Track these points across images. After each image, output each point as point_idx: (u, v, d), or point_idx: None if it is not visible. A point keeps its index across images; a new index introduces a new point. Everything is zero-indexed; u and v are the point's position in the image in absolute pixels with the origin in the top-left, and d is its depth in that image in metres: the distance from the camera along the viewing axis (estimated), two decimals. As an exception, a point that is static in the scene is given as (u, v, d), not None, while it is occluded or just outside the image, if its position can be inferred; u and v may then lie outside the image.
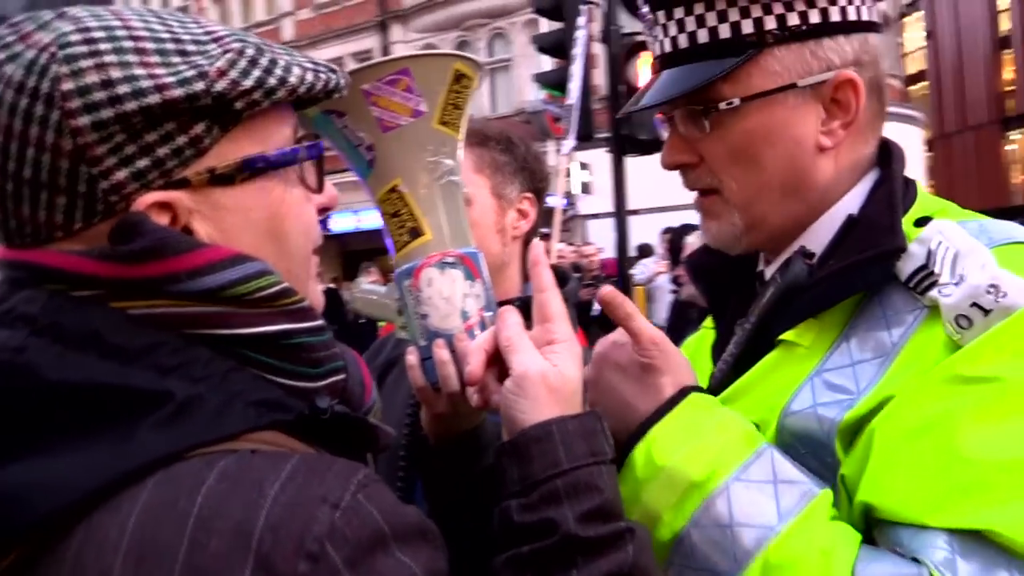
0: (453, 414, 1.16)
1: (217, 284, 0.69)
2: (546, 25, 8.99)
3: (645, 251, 9.52)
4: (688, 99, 1.00)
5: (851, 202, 1.01)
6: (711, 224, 1.06)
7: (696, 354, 1.21)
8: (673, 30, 1.02)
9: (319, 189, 0.83)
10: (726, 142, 1.00)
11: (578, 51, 7.30)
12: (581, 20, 7.32)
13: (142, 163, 0.69)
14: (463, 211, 1.13)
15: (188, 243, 0.70)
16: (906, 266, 0.90)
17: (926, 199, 1.01)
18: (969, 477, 0.79)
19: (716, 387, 1.03)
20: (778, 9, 0.97)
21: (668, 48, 1.03)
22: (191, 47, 0.72)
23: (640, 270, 8.88)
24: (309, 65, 0.78)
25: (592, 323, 8.32)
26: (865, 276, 0.92)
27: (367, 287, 1.67)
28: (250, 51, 0.73)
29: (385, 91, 1.04)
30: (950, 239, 0.89)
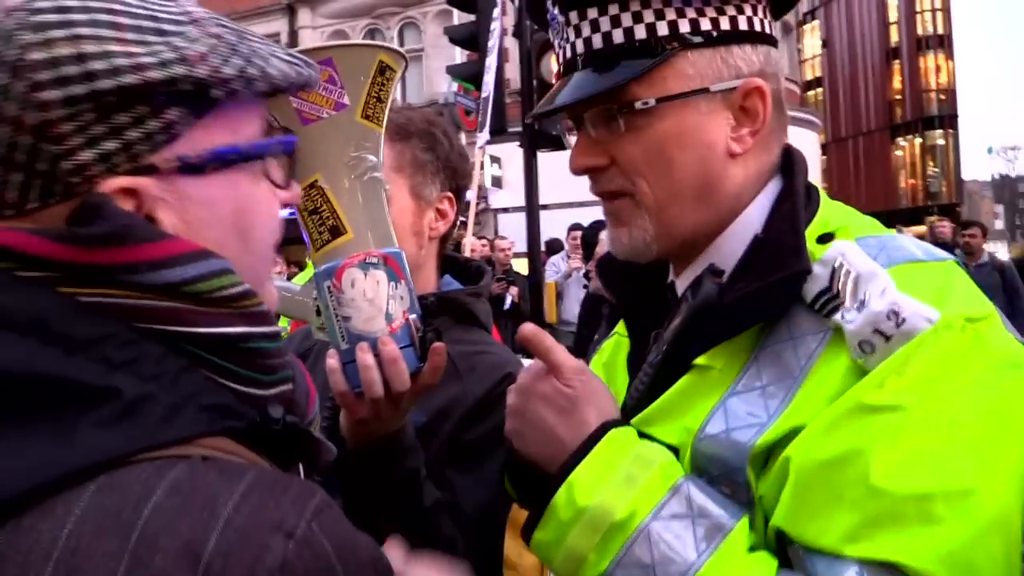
0: (375, 418, 1.12)
1: (178, 279, 0.65)
2: (458, 17, 8.95)
3: (553, 247, 9.58)
4: (602, 100, 1.00)
5: (755, 214, 1.02)
6: (621, 232, 1.05)
7: (612, 362, 1.21)
8: (586, 30, 1.01)
9: (286, 185, 0.79)
10: (640, 143, 1.00)
11: (492, 44, 7.29)
12: (496, 12, 7.31)
13: (110, 145, 0.64)
14: (386, 209, 1.09)
15: (152, 232, 0.65)
16: (811, 288, 0.91)
17: (828, 209, 1.03)
18: (880, 508, 0.80)
19: (633, 407, 1.03)
20: (691, 13, 0.98)
21: (580, 49, 1.02)
22: (169, 26, 0.67)
23: (551, 268, 8.93)
24: (286, 56, 0.74)
25: (504, 316, 8.37)
26: (774, 300, 0.93)
27: (280, 283, 1.58)
28: (230, 37, 0.69)
29: None
30: (851, 262, 0.90)
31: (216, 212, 0.71)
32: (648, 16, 0.97)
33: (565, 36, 1.04)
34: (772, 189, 1.04)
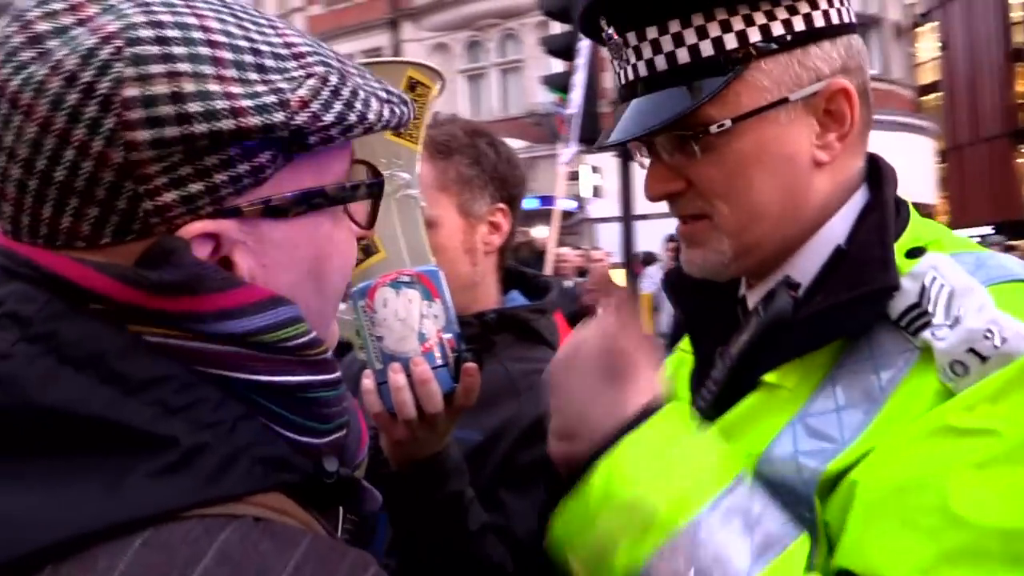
0: (412, 440, 1.10)
1: (244, 329, 0.62)
2: (557, 27, 8.94)
3: (648, 259, 9.45)
4: (673, 126, 0.93)
5: (839, 226, 0.95)
6: (695, 253, 0.99)
7: (674, 379, 1.14)
8: (648, 52, 0.94)
9: (370, 226, 0.75)
10: (717, 165, 0.93)
11: (580, 62, 7.26)
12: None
13: (195, 187, 0.60)
14: (421, 226, 1.07)
15: (223, 281, 0.61)
16: (897, 304, 0.83)
17: (918, 224, 0.95)
18: (960, 540, 0.71)
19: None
20: (760, 19, 0.90)
21: (644, 72, 0.95)
22: (270, 62, 0.63)
23: (647, 280, 8.80)
24: (383, 95, 0.70)
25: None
26: (855, 317, 0.85)
27: None
28: (333, 79, 0.65)
29: None
30: (945, 276, 0.82)
31: (295, 256, 0.67)
32: (714, 30, 0.90)
33: (624, 57, 0.97)
34: (858, 201, 0.97)
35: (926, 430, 0.76)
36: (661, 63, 0.93)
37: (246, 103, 0.60)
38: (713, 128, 0.91)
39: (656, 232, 8.76)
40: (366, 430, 0.82)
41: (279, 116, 0.61)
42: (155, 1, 0.61)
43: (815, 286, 0.92)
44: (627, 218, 7.70)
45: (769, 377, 0.89)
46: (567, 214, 17.88)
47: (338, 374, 0.69)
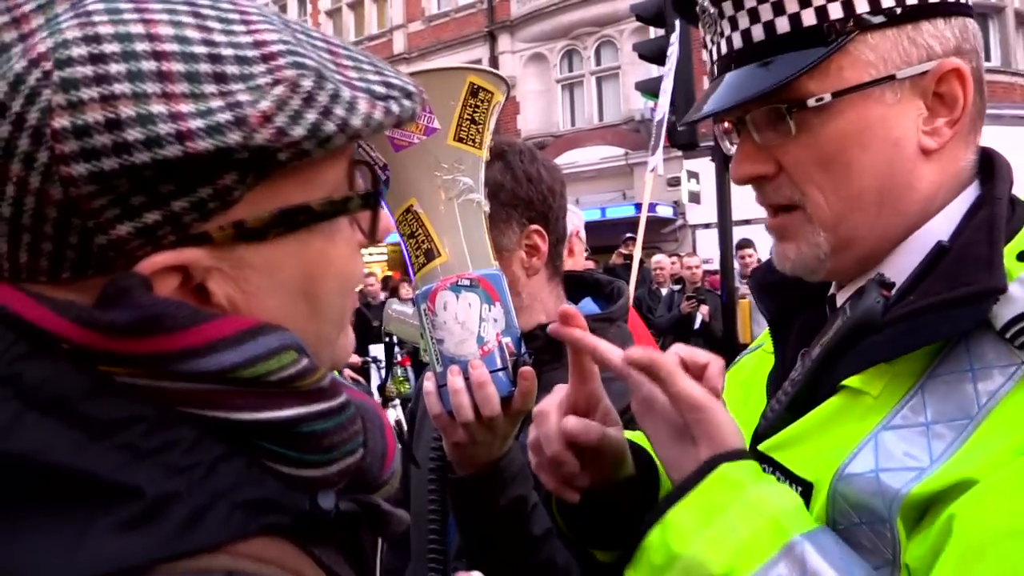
0: (472, 443, 1.11)
1: (217, 367, 0.55)
2: (653, 32, 8.88)
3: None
4: (768, 99, 0.88)
5: (943, 224, 0.87)
6: (789, 247, 0.93)
7: (751, 380, 1.09)
8: (744, 22, 0.89)
9: (373, 239, 0.68)
10: (812, 146, 0.87)
11: (668, 68, 7.16)
12: (673, 36, 7.17)
13: (151, 217, 0.54)
14: (483, 230, 1.08)
15: (187, 319, 0.55)
16: (1004, 311, 0.76)
17: None
18: None
19: (768, 428, 0.91)
20: None
21: (739, 43, 0.90)
22: (232, 68, 0.55)
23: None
24: (380, 90, 0.61)
25: (694, 335, 8.15)
26: (953, 321, 0.77)
27: (399, 307, 1.66)
28: (307, 83, 0.56)
29: None
30: None
31: (279, 280, 0.61)
32: None
33: (719, 30, 0.93)
34: (968, 196, 0.89)
35: None
36: (758, 33, 0.88)
37: (195, 124, 0.53)
38: (811, 101, 0.85)
39: (755, 237, 8.54)
40: (393, 444, 0.74)
41: (235, 137, 0.53)
42: (99, 9, 0.54)
43: (910, 286, 0.85)
44: (724, 223, 7.54)
45: (851, 382, 0.83)
46: (665, 221, 17.67)
47: (340, 399, 0.63)
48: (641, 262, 7.59)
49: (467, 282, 1.04)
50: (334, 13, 25.29)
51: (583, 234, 3.26)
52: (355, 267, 0.67)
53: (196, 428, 0.56)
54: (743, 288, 8.20)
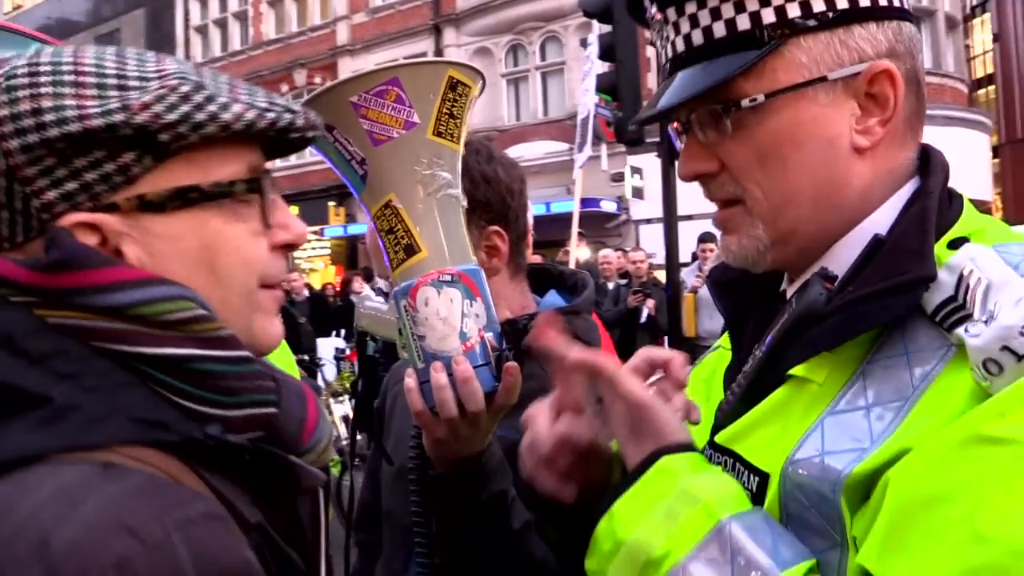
0: (454, 439, 1.10)
1: (122, 302, 0.72)
2: (599, 28, 8.91)
3: (695, 258, 9.34)
4: (706, 99, 0.92)
5: (883, 217, 0.92)
6: (731, 240, 0.97)
7: (712, 376, 1.13)
8: (685, 27, 0.93)
9: (267, 226, 0.84)
10: (750, 144, 0.91)
11: (588, 69, 7.23)
12: (592, 37, 7.23)
13: (71, 185, 0.73)
14: (462, 225, 1.07)
15: (102, 260, 0.73)
16: (934, 297, 0.80)
17: (972, 217, 0.91)
18: (984, 559, 0.67)
19: (723, 420, 0.96)
20: None
21: (681, 48, 0.95)
22: (133, 82, 0.75)
23: (684, 278, 8.70)
24: (262, 104, 0.80)
25: (640, 329, 8.24)
26: (888, 308, 0.81)
27: (371, 304, 1.63)
28: (185, 87, 0.76)
29: (374, 103, 0.99)
30: (983, 268, 0.78)
31: (180, 247, 0.77)
32: (751, 4, 0.89)
33: (664, 35, 0.97)
34: (907, 192, 0.93)
35: (958, 438, 0.72)
36: (698, 37, 0.92)
37: (93, 110, 0.73)
38: (745, 102, 0.89)
39: (700, 232, 8.67)
40: (314, 416, 0.88)
41: (119, 116, 0.73)
42: (46, 53, 0.76)
43: (850, 277, 0.89)
44: (669, 218, 7.63)
45: (798, 371, 0.87)
46: (609, 216, 17.83)
47: (241, 352, 0.77)
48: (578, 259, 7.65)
49: (448, 277, 1.03)
50: (276, 3, 24.84)
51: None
52: (255, 250, 0.83)
53: (109, 361, 0.72)
54: (693, 282, 8.34)
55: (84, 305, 0.71)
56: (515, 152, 18.57)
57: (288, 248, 0.87)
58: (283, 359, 2.08)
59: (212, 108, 0.76)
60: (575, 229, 7.07)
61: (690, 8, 0.93)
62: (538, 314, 1.44)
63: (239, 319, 0.80)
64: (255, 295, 0.84)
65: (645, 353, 0.99)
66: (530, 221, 2.68)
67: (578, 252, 7.22)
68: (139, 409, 0.71)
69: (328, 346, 9.54)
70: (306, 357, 8.86)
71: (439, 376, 1.03)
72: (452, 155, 1.06)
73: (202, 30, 26.70)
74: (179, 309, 0.73)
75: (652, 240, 13.40)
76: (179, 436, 0.72)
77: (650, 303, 8.10)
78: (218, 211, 0.79)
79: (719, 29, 0.91)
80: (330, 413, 7.54)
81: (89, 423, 0.68)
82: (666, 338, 7.97)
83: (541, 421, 0.99)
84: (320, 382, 8.46)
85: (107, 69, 0.76)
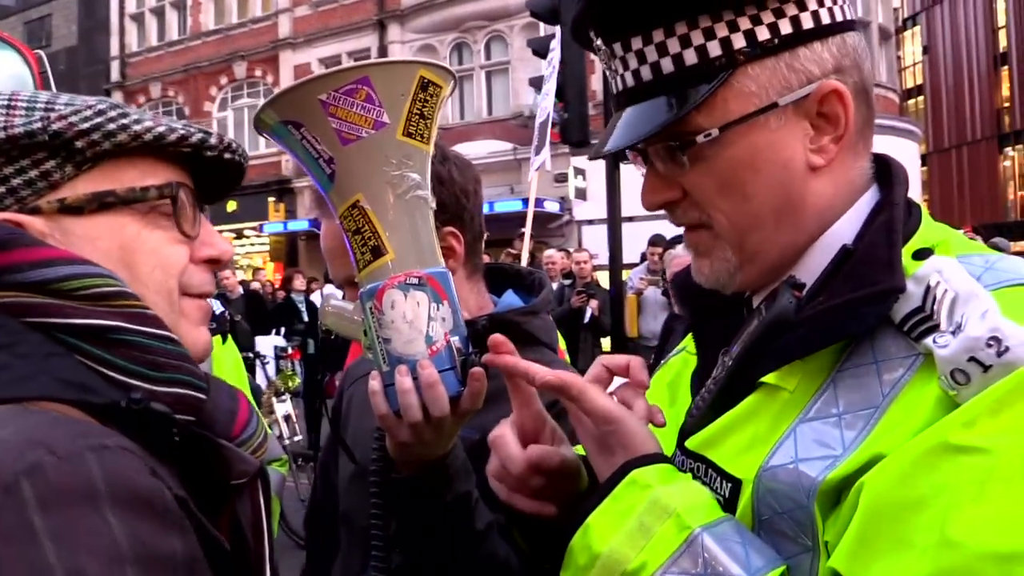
0: (419, 442, 1.09)
1: (48, 277, 0.78)
2: (544, 29, 8.95)
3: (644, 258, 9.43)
4: (661, 136, 0.92)
5: (846, 227, 0.93)
6: (703, 263, 0.98)
7: (676, 380, 1.14)
8: (633, 62, 0.93)
9: (185, 235, 0.91)
10: (709, 175, 0.92)
11: (549, 73, 7.25)
12: (553, 43, 7.26)
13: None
14: (431, 228, 1.06)
15: (24, 241, 0.79)
16: (901, 307, 0.82)
17: (930, 227, 0.93)
18: (954, 563, 0.69)
19: (693, 426, 0.96)
20: (745, 24, 0.89)
21: (631, 82, 0.95)
22: (61, 108, 0.84)
23: (629, 280, 8.79)
24: (177, 126, 0.89)
25: (584, 329, 8.29)
26: (860, 319, 0.83)
27: (337, 303, 1.60)
28: (103, 106, 0.86)
29: (343, 102, 0.97)
30: (949, 280, 0.80)
31: (98, 247, 0.84)
32: (697, 38, 0.89)
33: (613, 68, 0.97)
34: (867, 200, 0.95)
35: (926, 447, 0.73)
36: (647, 73, 0.93)
37: (17, 121, 0.82)
38: (699, 138, 0.90)
39: (643, 234, 8.78)
40: (245, 411, 0.93)
41: (37, 124, 0.82)
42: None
43: (819, 286, 0.90)
44: (614, 220, 7.70)
45: (769, 378, 0.88)
46: (552, 216, 17.92)
47: (166, 332, 0.83)
48: (532, 256, 7.64)
49: (415, 280, 1.02)
50: (216, -8, 24.30)
51: None
52: (173, 256, 0.90)
53: (41, 335, 0.78)
54: (638, 284, 8.41)
55: (16, 283, 0.78)
56: (459, 151, 18.55)
57: (212, 264, 0.94)
58: (235, 375, 2.04)
59: (124, 121, 0.85)
60: (528, 229, 7.05)
61: (636, 44, 0.92)
62: (495, 315, 1.44)
63: (166, 318, 0.85)
64: (175, 298, 0.90)
65: (603, 361, 1.00)
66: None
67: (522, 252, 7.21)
68: (65, 373, 0.77)
69: (268, 344, 9.39)
70: (250, 354, 8.71)
71: (404, 380, 1.02)
72: (422, 156, 1.04)
73: (138, 18, 26.00)
74: (105, 284, 0.80)
75: (594, 241, 13.51)
76: (101, 398, 0.77)
77: (594, 303, 8.16)
78: (135, 217, 0.87)
79: (667, 65, 0.91)
80: (271, 412, 7.42)
81: (19, 380, 0.75)
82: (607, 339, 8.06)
83: (509, 444, 1.00)
84: (261, 380, 8.33)
85: (40, 98, 0.85)
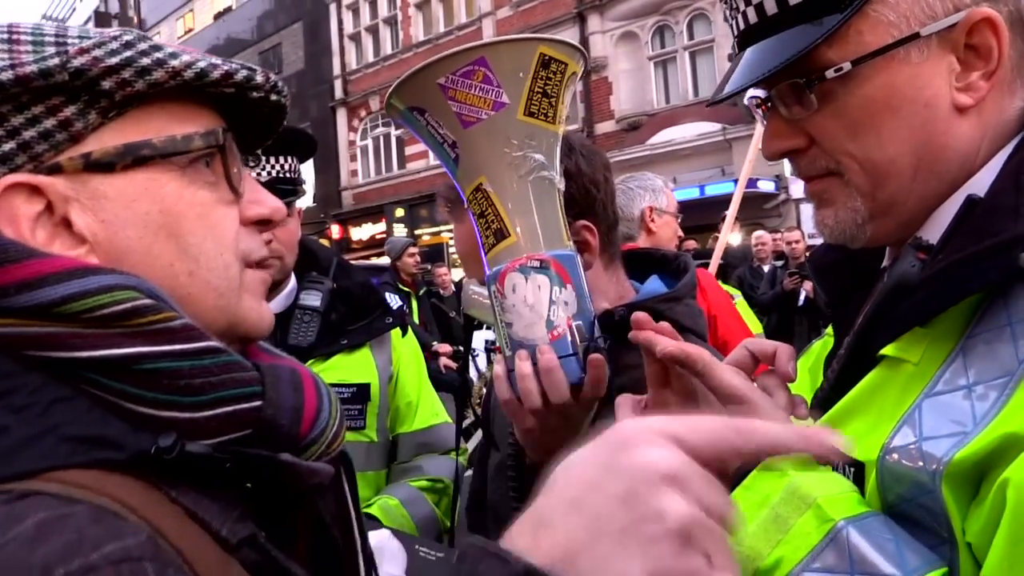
0: (543, 429, 1.07)
1: (48, 299, 0.61)
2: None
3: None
4: (787, 73, 0.84)
5: (985, 179, 0.82)
6: (827, 213, 0.89)
7: (816, 366, 1.05)
8: None
9: (235, 193, 0.75)
10: (840, 116, 0.84)
11: None
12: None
13: (7, 146, 0.65)
14: (557, 209, 1.04)
15: (17, 252, 0.62)
16: None
17: None
18: None
19: (818, 408, 0.88)
20: None
21: (753, 18, 0.87)
22: (72, 40, 0.68)
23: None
24: (217, 61, 0.72)
25: (798, 312, 7.86)
26: (981, 274, 0.73)
27: (477, 289, 1.62)
28: (128, 37, 0.68)
29: (462, 84, 0.97)
30: None
31: (135, 211, 0.68)
32: None
33: (735, 5, 0.90)
34: (1012, 147, 0.83)
35: None
36: (770, 5, 0.85)
37: (27, 58, 0.65)
38: (830, 73, 0.81)
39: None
40: (312, 402, 0.74)
41: (54, 61, 0.64)
42: None
43: (943, 244, 0.80)
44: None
45: (889, 350, 0.79)
46: (767, 196, 17.12)
47: (200, 343, 0.65)
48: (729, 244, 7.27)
49: (537, 263, 1.00)
50: (423, 5, 25.52)
51: (665, 205, 3.13)
52: (224, 220, 0.73)
53: (44, 374, 0.61)
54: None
55: (5, 309, 0.61)
56: (666, 135, 18.24)
57: (262, 224, 0.78)
58: (415, 366, 2.10)
59: (159, 55, 0.68)
60: (732, 212, 6.80)
61: None
62: (634, 304, 1.39)
63: (215, 297, 0.71)
64: (234, 272, 0.74)
65: (748, 345, 0.92)
66: (654, 201, 2.59)
67: (730, 237, 6.88)
68: (76, 426, 0.60)
69: (479, 338, 9.73)
70: (460, 348, 9.08)
71: (523, 365, 1.01)
72: (546, 136, 1.02)
73: (355, 37, 27.83)
74: (115, 301, 0.62)
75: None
76: (124, 453, 0.61)
77: (808, 285, 7.71)
78: (175, 173, 0.71)
79: None
80: (480, 402, 7.70)
81: (17, 449, 0.58)
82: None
83: (626, 413, 0.95)
84: (473, 373, 8.65)
85: (46, 29, 0.69)
